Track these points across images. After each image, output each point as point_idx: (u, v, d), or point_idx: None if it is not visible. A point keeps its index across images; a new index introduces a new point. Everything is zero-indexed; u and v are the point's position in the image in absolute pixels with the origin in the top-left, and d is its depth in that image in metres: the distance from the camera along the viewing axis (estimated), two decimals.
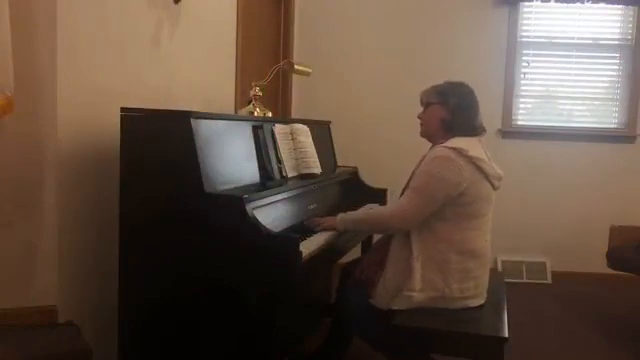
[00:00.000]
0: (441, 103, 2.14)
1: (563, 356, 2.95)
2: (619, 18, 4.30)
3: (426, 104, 2.21)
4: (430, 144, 2.22)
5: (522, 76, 4.37)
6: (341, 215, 2.23)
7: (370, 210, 2.23)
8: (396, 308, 2.04)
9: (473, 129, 2.14)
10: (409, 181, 2.17)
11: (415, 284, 2.01)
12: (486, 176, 2.05)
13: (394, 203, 2.10)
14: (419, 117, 2.24)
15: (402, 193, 2.17)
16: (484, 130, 2.18)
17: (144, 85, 2.36)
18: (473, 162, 2.01)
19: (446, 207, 2.01)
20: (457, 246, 2.03)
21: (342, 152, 3.29)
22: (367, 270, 2.24)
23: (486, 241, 2.13)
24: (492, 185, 2.09)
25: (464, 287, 2.04)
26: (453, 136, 2.09)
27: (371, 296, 2.12)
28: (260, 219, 1.83)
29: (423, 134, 2.24)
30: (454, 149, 2.01)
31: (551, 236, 4.34)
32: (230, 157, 2.05)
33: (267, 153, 2.26)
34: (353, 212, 2.30)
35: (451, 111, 2.12)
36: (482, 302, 2.11)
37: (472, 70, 4.26)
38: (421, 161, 2.14)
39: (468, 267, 2.05)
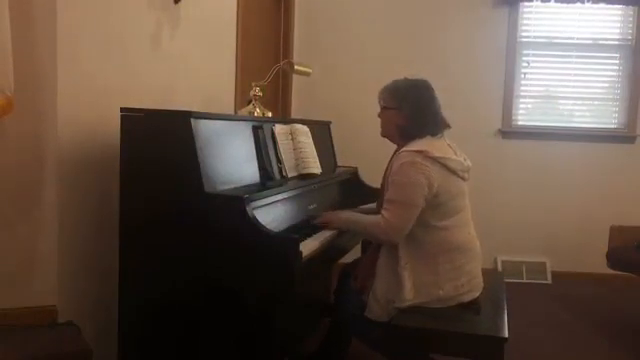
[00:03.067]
0: (396, 109, 2.12)
1: (563, 356, 2.95)
2: (619, 18, 4.30)
3: (383, 106, 2.19)
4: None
5: (522, 76, 4.37)
6: (344, 213, 2.24)
7: (367, 218, 2.16)
8: (391, 319, 2.03)
9: (431, 131, 2.10)
10: (383, 183, 2.15)
11: (406, 294, 2.00)
12: (454, 172, 2.04)
13: (381, 218, 2.02)
14: (378, 116, 2.22)
15: (381, 189, 2.16)
16: (447, 126, 2.15)
17: (144, 85, 2.36)
18: (438, 161, 2.00)
19: (424, 211, 2.00)
20: (442, 246, 2.03)
21: (342, 152, 3.29)
22: (362, 279, 2.23)
23: (469, 234, 2.12)
24: (462, 178, 2.08)
25: (458, 284, 2.04)
26: (413, 139, 2.07)
27: (365, 306, 2.11)
28: (260, 219, 1.83)
29: (382, 134, 2.22)
30: (419, 152, 1.99)
31: (551, 236, 4.34)
32: (230, 157, 2.05)
33: (267, 153, 2.26)
34: (357, 214, 2.25)
35: (406, 118, 2.09)
36: (477, 295, 2.09)
37: (472, 70, 4.27)
38: (390, 163, 2.12)
39: (458, 264, 2.04)
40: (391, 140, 2.20)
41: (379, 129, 2.23)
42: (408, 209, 1.98)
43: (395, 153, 2.16)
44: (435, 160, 1.99)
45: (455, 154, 2.09)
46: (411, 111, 2.09)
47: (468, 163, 2.12)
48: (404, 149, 2.05)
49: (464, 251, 2.07)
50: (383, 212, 2.02)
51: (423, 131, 2.09)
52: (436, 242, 2.03)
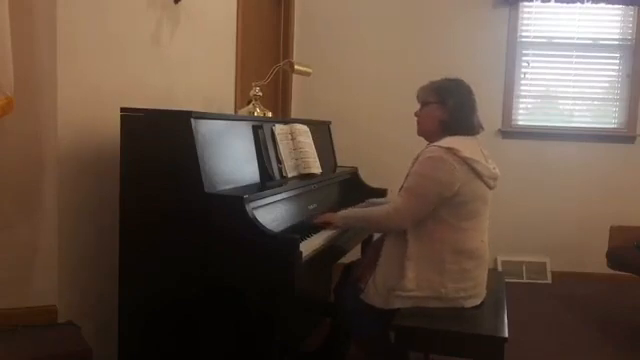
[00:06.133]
0: (439, 103, 2.10)
1: (563, 356, 2.95)
2: (619, 18, 4.30)
3: (423, 103, 2.17)
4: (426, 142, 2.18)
5: (522, 76, 4.37)
6: (342, 211, 2.23)
7: (369, 209, 2.21)
8: (388, 308, 2.03)
9: (470, 128, 2.11)
10: (408, 175, 2.15)
11: (407, 284, 2.00)
12: (480, 176, 2.02)
13: (390, 204, 2.08)
14: (416, 115, 2.20)
15: (404, 181, 2.16)
16: (482, 128, 2.15)
17: (144, 85, 2.36)
18: (466, 162, 1.98)
19: (441, 208, 1.99)
20: (453, 246, 2.02)
21: (342, 152, 3.29)
22: (362, 270, 2.23)
23: (482, 242, 2.10)
24: (487, 185, 2.07)
25: (460, 287, 2.02)
26: (449, 135, 2.07)
27: (363, 292, 2.11)
28: (260, 219, 1.83)
29: (420, 133, 2.21)
30: (448, 149, 1.98)
31: (551, 236, 4.34)
32: (230, 157, 2.05)
33: (267, 153, 2.26)
34: (354, 209, 2.28)
35: (449, 111, 2.08)
36: (478, 303, 2.08)
37: (472, 70, 4.24)
38: (416, 159, 2.11)
39: (465, 267, 2.03)
40: (429, 138, 2.16)
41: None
42: (420, 202, 1.99)
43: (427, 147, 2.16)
44: (463, 160, 1.97)
45: (486, 161, 2.08)
46: (454, 105, 2.09)
47: (497, 172, 2.10)
48: (435, 144, 2.03)
49: (474, 257, 2.05)
50: (397, 198, 2.04)
51: (464, 126, 2.09)
52: (448, 242, 2.01)
